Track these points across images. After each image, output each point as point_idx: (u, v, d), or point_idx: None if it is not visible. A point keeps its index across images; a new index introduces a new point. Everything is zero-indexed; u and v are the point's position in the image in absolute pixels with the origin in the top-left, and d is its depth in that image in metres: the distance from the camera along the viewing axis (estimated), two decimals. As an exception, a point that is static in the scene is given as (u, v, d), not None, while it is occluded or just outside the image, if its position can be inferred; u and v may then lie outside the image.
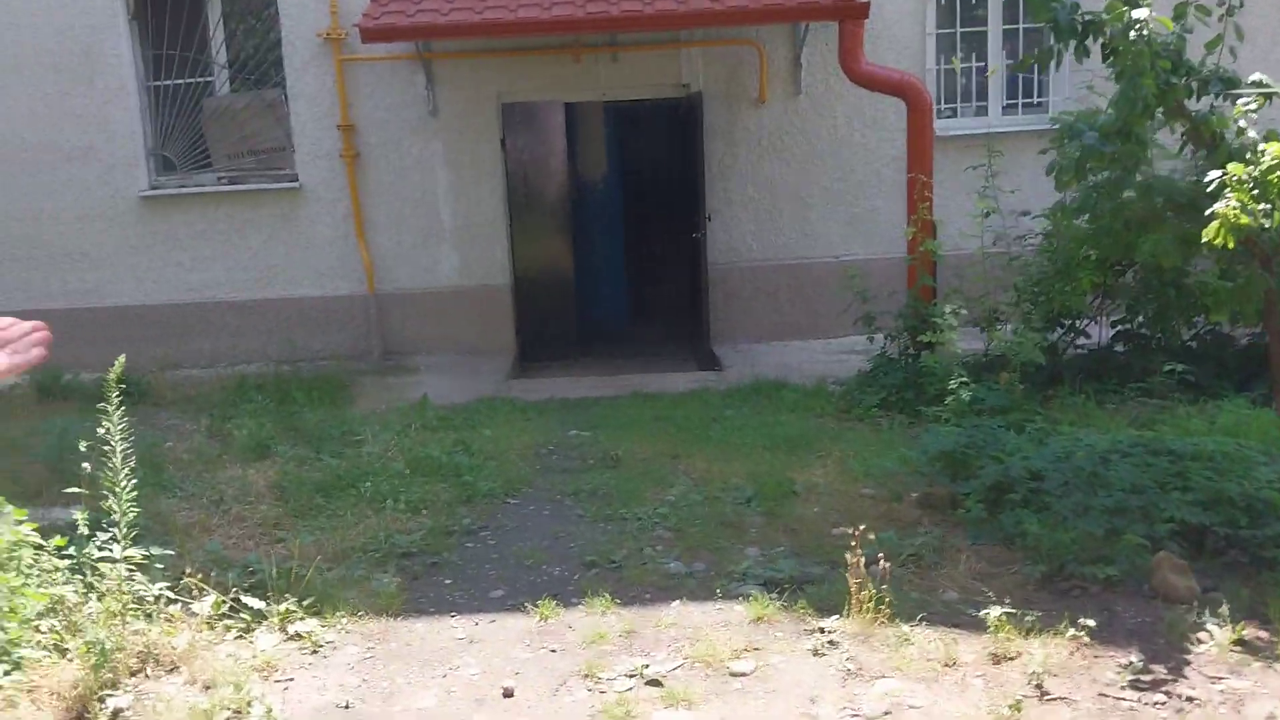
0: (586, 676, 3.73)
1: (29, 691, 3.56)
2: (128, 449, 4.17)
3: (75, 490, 4.16)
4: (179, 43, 9.05)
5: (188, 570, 4.21)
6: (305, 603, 4.25)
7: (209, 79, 9.13)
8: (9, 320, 1.14)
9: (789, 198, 9.28)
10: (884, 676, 3.69)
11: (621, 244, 10.73)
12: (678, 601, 4.34)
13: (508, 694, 3.64)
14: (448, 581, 4.68)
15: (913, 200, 7.33)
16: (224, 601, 4.18)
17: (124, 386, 8.16)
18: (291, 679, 3.82)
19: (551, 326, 9.61)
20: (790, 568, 4.61)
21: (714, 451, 6.27)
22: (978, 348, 7.15)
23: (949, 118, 9.31)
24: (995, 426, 5.67)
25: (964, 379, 6.25)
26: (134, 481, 4.05)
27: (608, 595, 4.34)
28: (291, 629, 4.13)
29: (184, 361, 9.23)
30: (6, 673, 3.27)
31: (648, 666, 3.76)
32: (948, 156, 9.12)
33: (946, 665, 3.75)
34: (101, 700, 3.58)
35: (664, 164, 11.31)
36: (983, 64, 9.27)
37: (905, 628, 3.98)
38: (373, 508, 5.49)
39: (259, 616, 4.17)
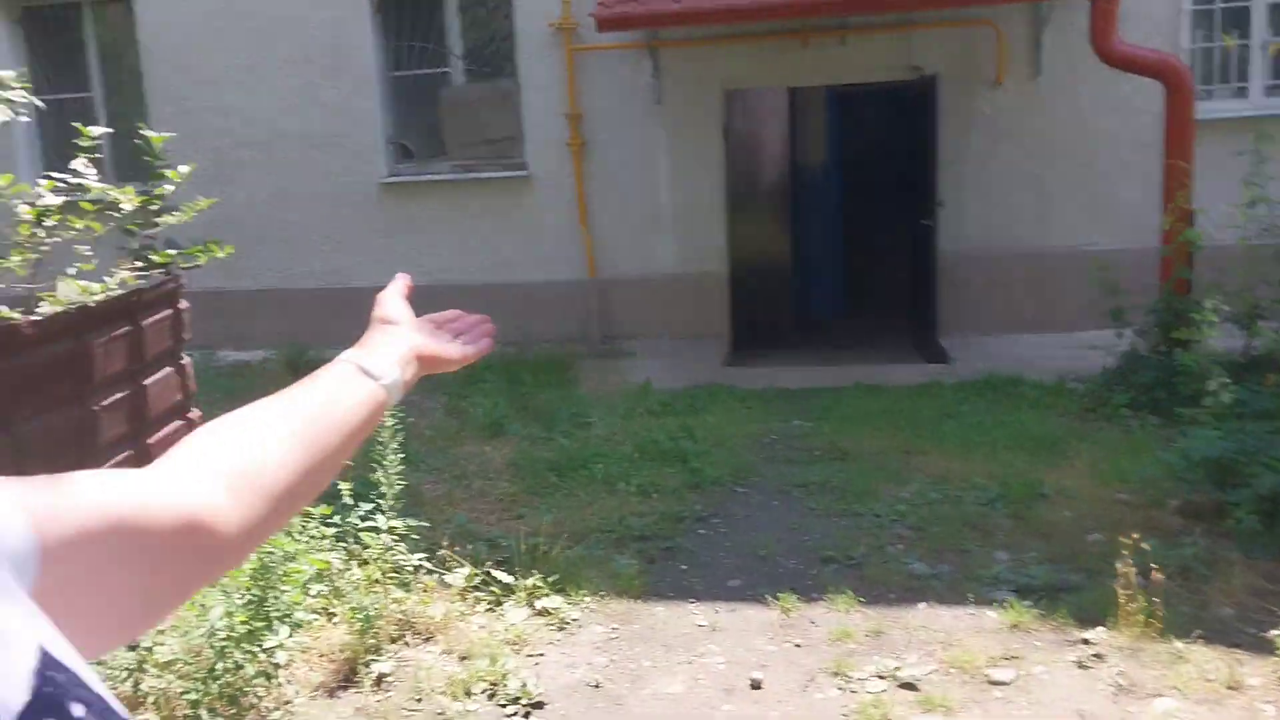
0: (836, 675, 3.64)
1: (302, 652, 3.77)
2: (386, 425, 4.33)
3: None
4: (418, 34, 9.44)
5: (444, 542, 4.36)
6: (550, 580, 4.33)
7: (445, 70, 9.48)
8: (456, 312, 1.18)
9: (1025, 184, 8.84)
10: (1160, 695, 3.44)
11: (840, 232, 10.51)
12: (924, 603, 4.19)
13: (755, 685, 3.59)
14: (684, 567, 4.68)
15: (1170, 188, 6.83)
16: (476, 574, 4.31)
17: (364, 364, 8.68)
18: (542, 654, 3.89)
19: (767, 315, 9.52)
20: (1044, 574, 4.38)
21: (950, 448, 6.03)
22: (1237, 346, 6.60)
23: (1202, 100, 8.62)
24: (1266, 432, 5.20)
25: (1225, 380, 5.76)
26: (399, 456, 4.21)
27: (850, 592, 4.23)
28: (539, 604, 4.22)
29: (416, 341, 9.62)
30: (290, 634, 3.46)
31: (899, 669, 3.63)
32: (1202, 141, 8.47)
33: (1230, 688, 3.46)
34: (367, 665, 3.75)
35: (886, 150, 11.00)
36: (1245, 42, 8.53)
37: (1179, 644, 3.70)
38: (605, 489, 5.56)
39: (508, 590, 4.28)
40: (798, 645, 3.89)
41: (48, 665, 0.53)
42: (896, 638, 3.90)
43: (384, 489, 4.14)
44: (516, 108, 9.35)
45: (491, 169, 9.50)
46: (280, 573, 3.61)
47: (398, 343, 1.08)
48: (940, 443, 6.15)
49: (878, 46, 8.83)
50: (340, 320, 9.80)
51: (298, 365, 8.79)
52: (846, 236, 10.68)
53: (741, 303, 9.47)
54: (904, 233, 9.42)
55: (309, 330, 9.57)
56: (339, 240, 9.70)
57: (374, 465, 4.20)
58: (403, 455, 6.10)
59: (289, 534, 4.05)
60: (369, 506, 4.23)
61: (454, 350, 1.13)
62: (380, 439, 4.19)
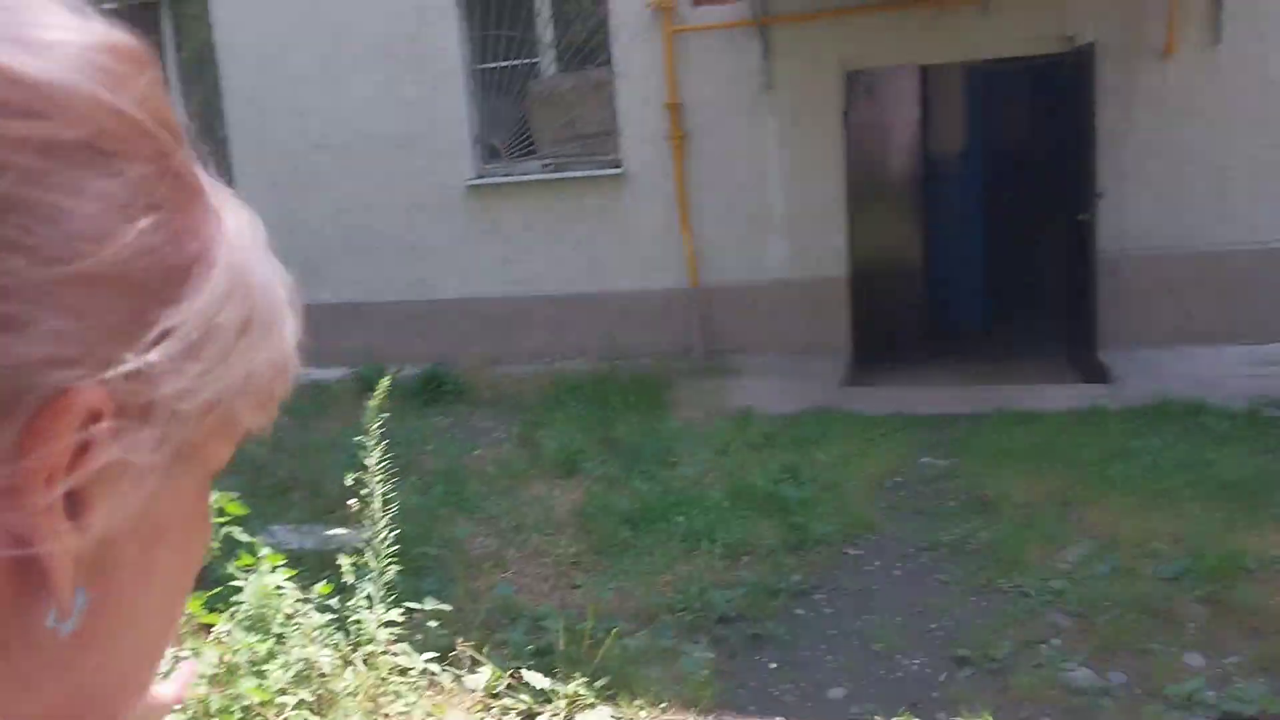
0: None
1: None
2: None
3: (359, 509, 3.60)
4: (505, 22, 8.65)
5: (460, 641, 3.47)
6: (598, 683, 3.40)
7: (535, 60, 8.66)
8: None
9: (1201, 171, 7.47)
10: None
11: (981, 230, 9.26)
12: (1092, 735, 3.10)
13: None
14: (773, 665, 3.69)
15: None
16: (501, 677, 3.41)
17: (443, 385, 7.91)
18: (572, 800, 2.97)
19: (894, 325, 8.38)
20: (1260, 693, 3.22)
21: (1120, 499, 4.85)
22: None
23: None
24: None
25: None
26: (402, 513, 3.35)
27: (989, 716, 3.16)
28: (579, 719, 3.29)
29: (505, 357, 8.86)
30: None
31: None
32: None
33: None
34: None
35: (1033, 135, 9.69)
36: None
37: None
38: (685, 549, 4.61)
39: (542, 698, 3.37)
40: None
41: None
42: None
43: (373, 570, 3.28)
44: (611, 99, 8.46)
45: (584, 167, 8.63)
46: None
47: None
48: (1107, 491, 4.97)
49: (1025, 13, 7.59)
50: (423, 337, 9.15)
51: (373, 385, 8.09)
52: (988, 235, 9.42)
53: (864, 312, 8.37)
54: (1057, 230, 8.14)
55: (391, 346, 8.92)
56: (422, 248, 9.00)
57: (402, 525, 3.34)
58: (456, 499, 5.32)
59: (265, 629, 3.24)
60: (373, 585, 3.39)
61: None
62: (369, 502, 3.33)
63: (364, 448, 5.55)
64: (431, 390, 7.74)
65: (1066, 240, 7.95)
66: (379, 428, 6.82)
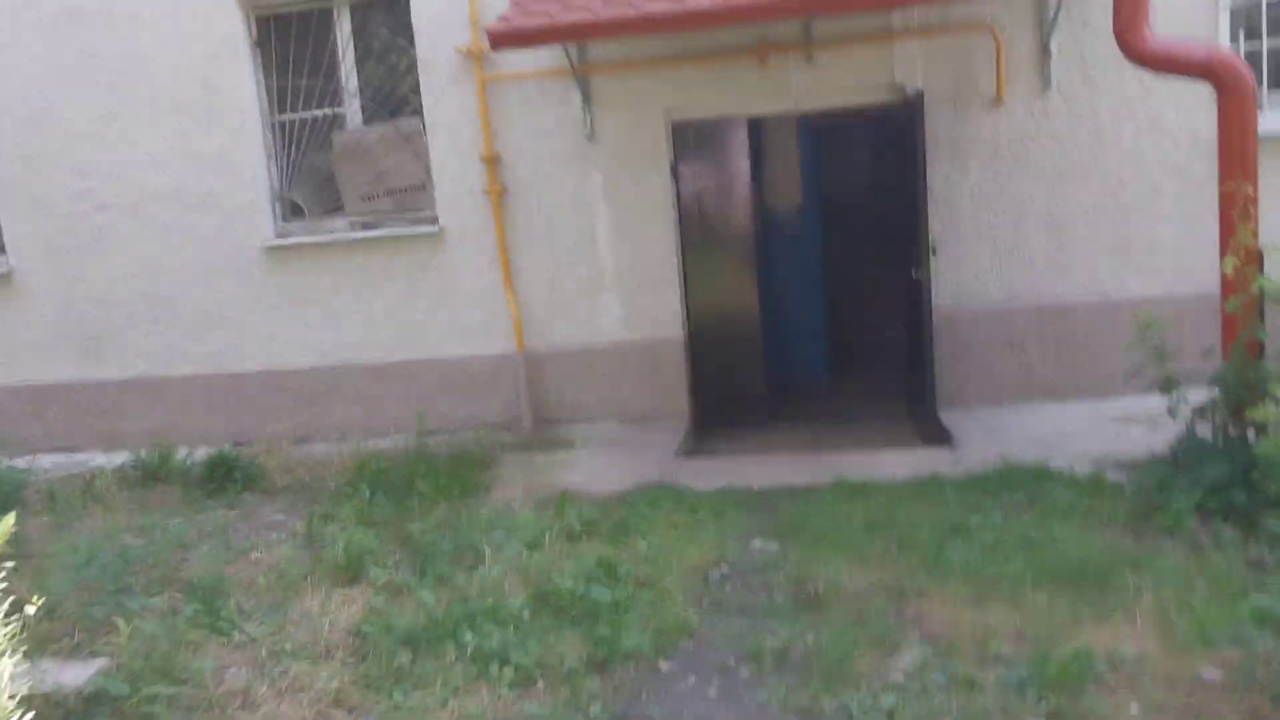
0: None
1: None
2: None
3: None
4: (306, 70, 7.95)
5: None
6: None
7: (339, 109, 7.97)
8: None
9: (1037, 222, 7.26)
10: None
11: (820, 285, 8.91)
12: None
13: None
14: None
15: (1229, 220, 5.23)
16: None
17: (234, 470, 7.06)
18: None
19: (734, 386, 7.91)
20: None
21: (958, 587, 4.39)
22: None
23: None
24: None
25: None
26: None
27: None
28: None
29: (314, 434, 8.06)
30: None
31: None
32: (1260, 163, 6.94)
33: None
34: None
35: (872, 186, 9.47)
36: (1296, 39, 7.00)
37: None
38: (471, 675, 3.93)
39: None
40: None
41: None
42: None
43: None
44: (423, 151, 7.83)
45: (397, 224, 7.96)
46: None
47: None
48: (944, 578, 4.50)
49: (852, 63, 7.30)
50: (221, 414, 8.22)
51: (157, 474, 7.21)
52: (829, 289, 9.09)
53: (704, 374, 7.89)
54: (899, 283, 7.82)
55: (186, 426, 8.04)
56: (219, 316, 8.14)
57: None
58: (210, 621, 4.52)
59: None
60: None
61: None
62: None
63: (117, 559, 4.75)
64: (220, 476, 6.88)
65: (905, 295, 7.63)
66: (145, 528, 5.94)
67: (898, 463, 6.37)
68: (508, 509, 5.89)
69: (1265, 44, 6.99)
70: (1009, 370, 7.36)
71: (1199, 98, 6.97)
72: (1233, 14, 7.02)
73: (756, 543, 5.21)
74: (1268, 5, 7.01)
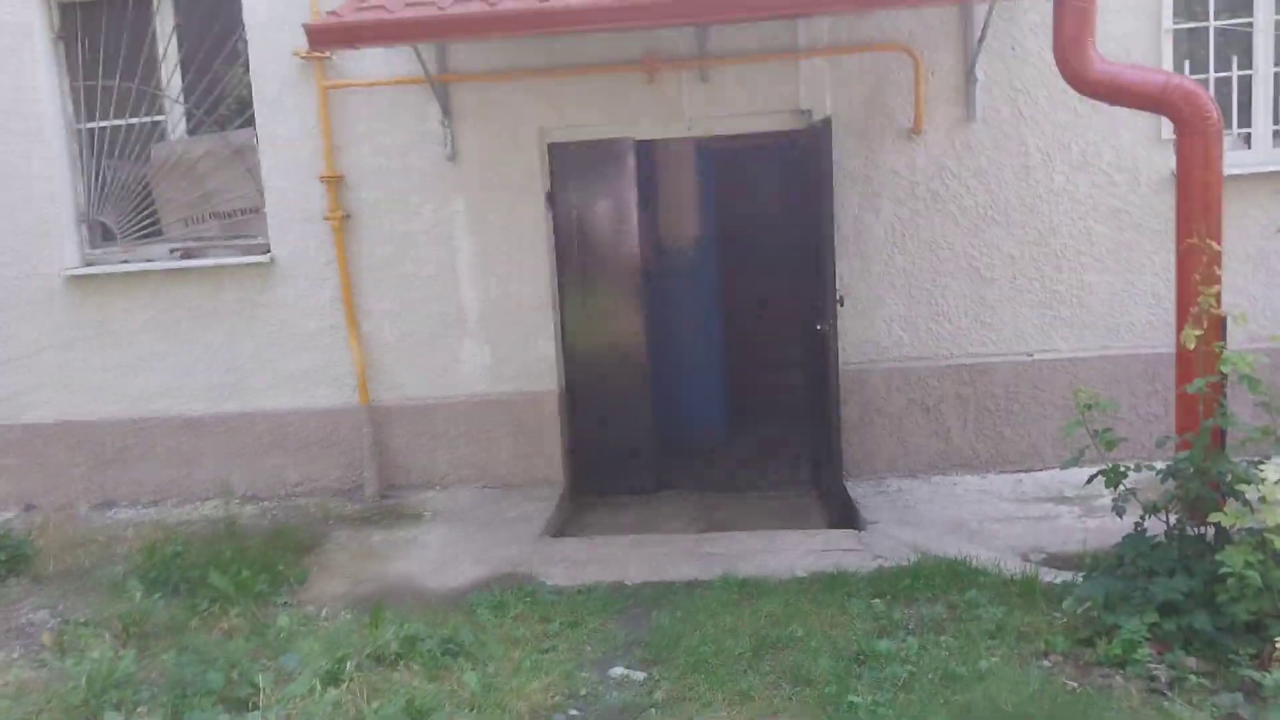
0: None
1: None
2: None
3: None
4: (119, 70, 6.74)
5: None
6: None
7: (159, 117, 6.78)
8: None
9: (957, 270, 6.40)
10: None
11: (719, 332, 7.97)
12: None
13: None
14: None
15: (1188, 283, 4.39)
16: None
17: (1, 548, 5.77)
18: None
19: (619, 446, 6.91)
20: None
21: (863, 756, 3.40)
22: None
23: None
24: None
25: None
26: None
27: None
28: None
29: (120, 497, 6.82)
30: None
31: None
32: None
33: None
34: None
35: (778, 220, 8.57)
36: (1247, 71, 6.28)
37: None
38: None
39: None
40: None
41: None
42: None
43: None
44: (256, 168, 6.69)
45: (223, 253, 6.79)
46: None
47: None
48: (845, 732, 3.52)
49: (752, 82, 6.37)
50: (6, 474, 6.91)
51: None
52: (729, 336, 8.16)
53: (583, 433, 6.88)
54: (806, 331, 6.91)
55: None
56: (6, 357, 6.85)
57: None
58: None
59: None
60: None
61: None
62: None
63: None
64: (-19, 558, 5.61)
65: (811, 345, 6.71)
66: None
67: (798, 549, 5.41)
68: (315, 616, 4.77)
69: (1213, 75, 6.24)
70: (924, 437, 6.47)
71: (1139, 132, 6.22)
72: (1175, 40, 6.26)
73: (618, 670, 4.17)
74: (1215, 32, 6.29)
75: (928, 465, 6.48)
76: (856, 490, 6.27)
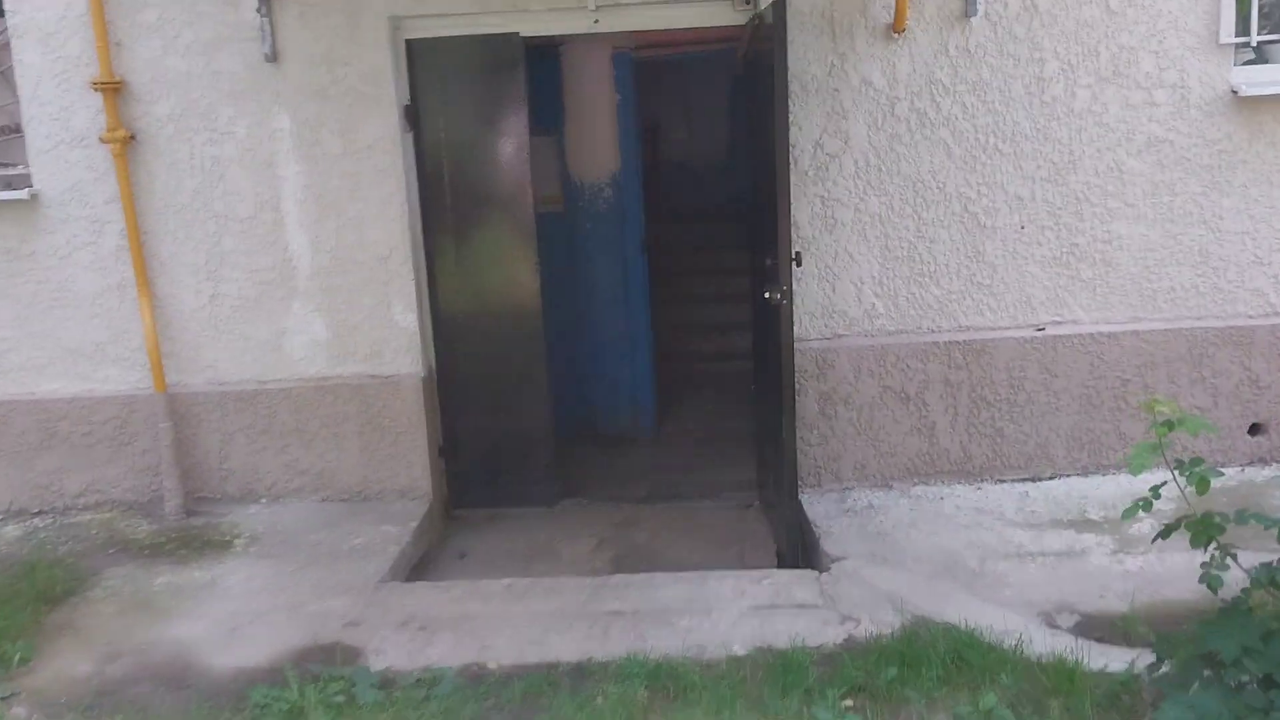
0: None
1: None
2: None
3: None
4: None
5: None
6: None
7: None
8: None
9: (948, 216, 4.84)
10: None
11: (643, 293, 6.37)
12: None
13: None
14: None
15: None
16: None
17: None
18: None
19: (506, 446, 5.33)
20: None
21: None
22: None
23: (1247, 62, 4.83)
24: None
25: None
26: None
27: None
28: None
29: None
30: None
31: None
32: (1261, 132, 4.72)
33: None
34: None
35: (720, 155, 6.95)
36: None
37: None
38: None
39: None
40: None
41: None
42: None
43: None
44: (10, 73, 4.92)
45: (-34, 187, 5.04)
46: None
47: None
48: None
49: (679, -41, 4.72)
50: None
51: None
52: (658, 295, 6.56)
53: (459, 427, 5.29)
54: (756, 290, 5.35)
55: None
56: None
57: None
58: None
59: None
60: None
61: None
62: None
63: None
64: None
65: (763, 310, 5.14)
66: None
67: (738, 604, 3.88)
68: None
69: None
70: (902, 434, 4.95)
71: (1191, 34, 4.67)
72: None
73: None
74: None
75: (907, 471, 4.97)
76: (816, 508, 4.74)
